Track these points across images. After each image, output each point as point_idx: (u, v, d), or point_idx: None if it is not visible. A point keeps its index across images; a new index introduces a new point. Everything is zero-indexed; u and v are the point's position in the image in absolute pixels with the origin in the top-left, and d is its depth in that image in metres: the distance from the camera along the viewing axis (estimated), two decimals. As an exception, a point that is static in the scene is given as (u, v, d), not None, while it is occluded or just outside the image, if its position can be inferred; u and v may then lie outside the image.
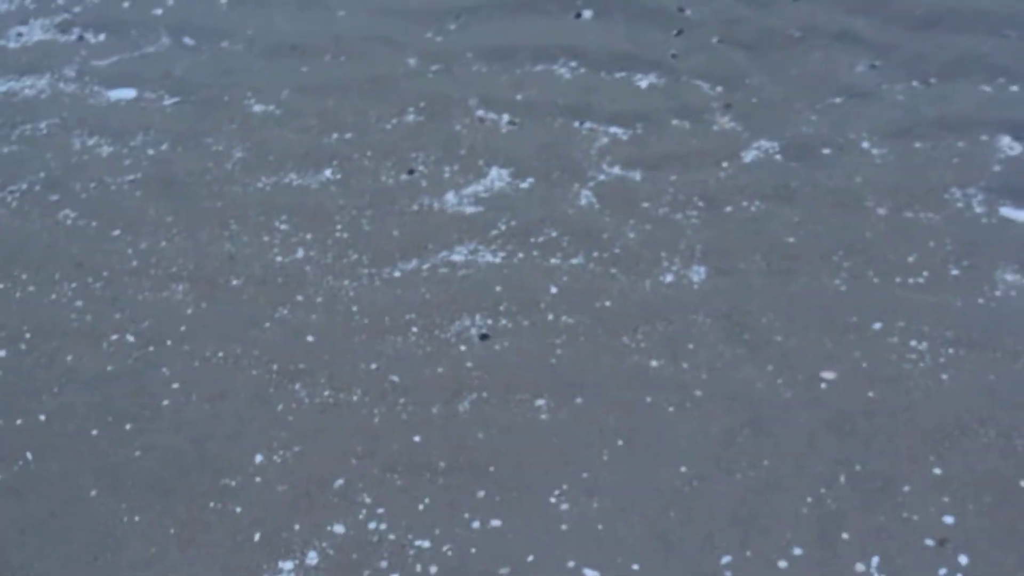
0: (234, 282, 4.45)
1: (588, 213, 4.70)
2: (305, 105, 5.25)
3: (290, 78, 5.37)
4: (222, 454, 3.77)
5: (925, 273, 4.41)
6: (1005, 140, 5.06)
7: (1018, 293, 4.33)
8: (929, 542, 3.41)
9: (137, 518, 3.60)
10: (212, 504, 3.61)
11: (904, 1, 5.69)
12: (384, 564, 3.43)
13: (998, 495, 3.51)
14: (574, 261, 4.47)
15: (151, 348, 4.19)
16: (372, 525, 3.55)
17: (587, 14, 5.62)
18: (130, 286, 4.46)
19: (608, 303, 4.28)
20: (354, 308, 4.30)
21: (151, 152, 5.05)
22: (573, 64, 5.41)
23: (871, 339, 4.08)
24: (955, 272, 4.42)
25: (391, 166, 4.97)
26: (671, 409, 3.84)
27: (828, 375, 3.95)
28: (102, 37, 5.60)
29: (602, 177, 4.90)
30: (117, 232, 4.70)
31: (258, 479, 3.68)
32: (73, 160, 5.06)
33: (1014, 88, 5.28)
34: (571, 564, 3.40)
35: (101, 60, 5.55)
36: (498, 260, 4.50)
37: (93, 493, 3.69)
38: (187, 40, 5.53)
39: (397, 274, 4.46)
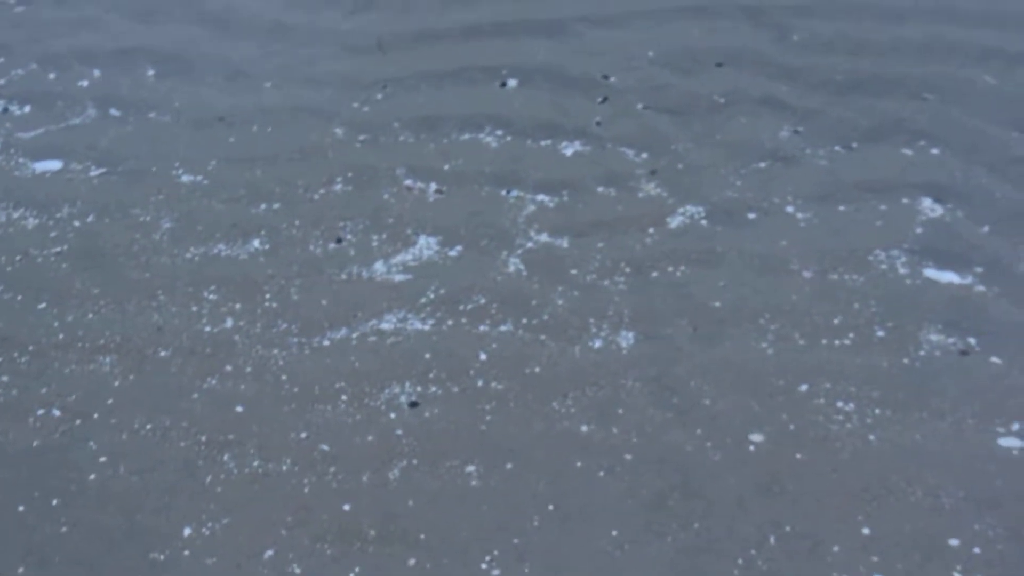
0: (162, 353, 4.48)
1: (516, 280, 4.78)
2: (233, 175, 5.31)
3: (218, 149, 5.43)
4: (150, 528, 3.79)
5: (851, 335, 4.52)
6: (927, 202, 5.22)
7: (942, 353, 4.45)
8: (857, 600, 3.50)
9: (64, 594, 3.60)
10: (140, 578, 3.63)
11: (826, 67, 5.87)
12: (315, 635, 3.46)
13: (926, 554, 3.60)
14: (503, 328, 4.55)
15: (78, 422, 4.20)
16: (303, 596, 3.57)
17: (512, 83, 5.74)
18: (56, 359, 4.47)
19: (537, 369, 4.36)
20: (283, 377, 4.34)
21: (77, 224, 5.08)
22: (499, 133, 5.52)
23: (798, 401, 4.17)
24: (880, 333, 4.54)
25: (319, 235, 5.04)
26: (601, 473, 3.90)
27: (756, 437, 4.04)
28: (27, 109, 5.64)
29: (530, 244, 4.99)
30: (43, 305, 4.72)
31: (187, 552, 3.70)
32: (-3, 233, 5.08)
33: (934, 151, 5.45)
34: (503, 630, 3.44)
35: (26, 132, 5.59)
36: (427, 328, 4.57)
37: (20, 571, 3.69)
38: (113, 111, 5.58)
39: (326, 343, 4.51)
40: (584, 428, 4.07)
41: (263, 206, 5.17)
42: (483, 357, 4.40)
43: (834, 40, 6.00)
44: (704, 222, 5.10)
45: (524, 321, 4.57)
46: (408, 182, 5.29)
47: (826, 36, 6.02)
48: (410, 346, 4.47)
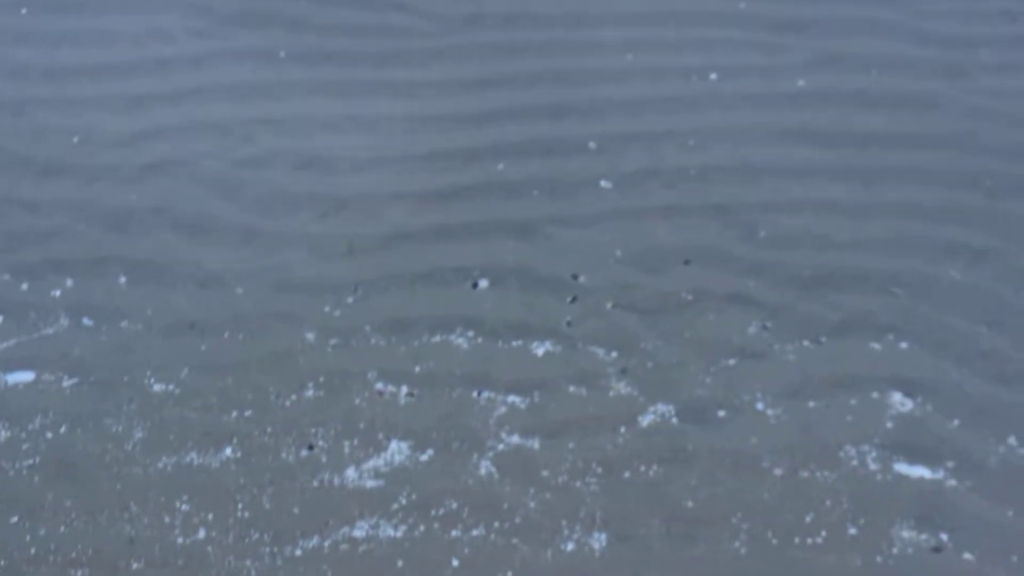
0: (135, 566, 4.66)
1: (488, 483, 5.00)
2: (204, 383, 5.55)
3: (189, 357, 5.68)
4: None
5: (823, 533, 4.74)
6: (896, 397, 5.48)
7: (915, 551, 4.67)
8: None
9: None
10: None
11: (793, 262, 6.19)
12: None
13: None
14: (475, 532, 4.75)
15: (48, 638, 4.36)
16: None
17: (483, 283, 6.04)
18: (28, 575, 4.65)
19: (510, 574, 4.55)
20: (256, 589, 4.52)
21: (50, 435, 5.29)
22: (470, 334, 5.79)
23: (770, 601, 4.37)
24: (852, 531, 4.75)
25: (291, 442, 5.26)
26: None
27: (729, 639, 4.23)
28: (0, 320, 5.89)
29: (501, 447, 5.22)
30: (15, 519, 4.90)
31: None
32: (-32, 446, 5.29)
33: (903, 345, 5.74)
34: None
35: (-3, 342, 5.84)
36: (399, 535, 4.76)
37: None
38: (86, 320, 5.84)
39: (299, 552, 4.70)
40: (557, 634, 4.25)
41: (235, 414, 5.39)
42: (455, 563, 4.59)
43: (800, 236, 6.33)
44: (675, 420, 5.34)
45: (496, 525, 4.77)
46: (379, 386, 5.54)
47: (792, 232, 6.36)
48: (382, 553, 4.65)
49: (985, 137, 7.04)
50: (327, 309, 5.92)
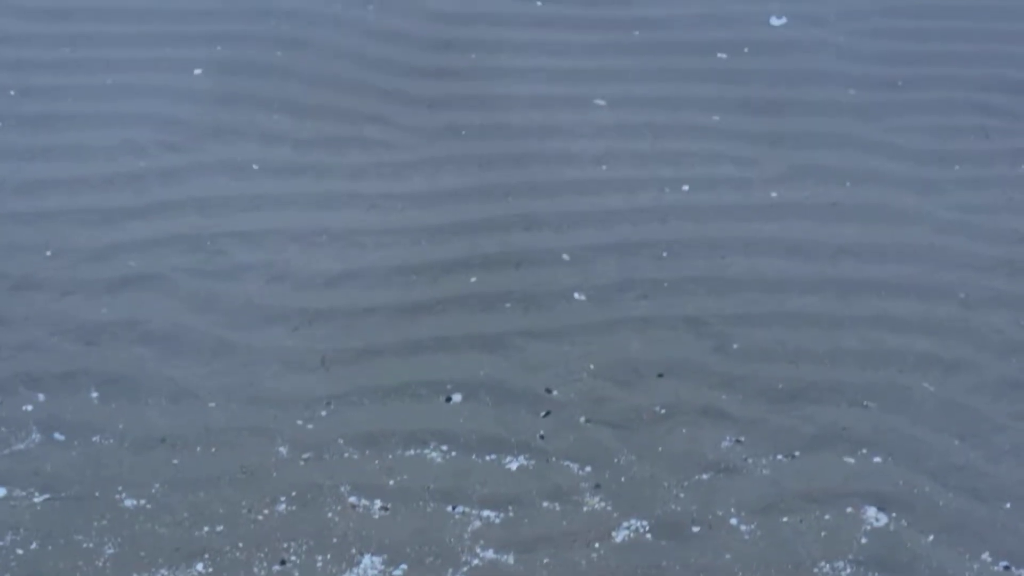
0: None
1: (462, 599, 5.10)
2: (176, 498, 5.64)
3: (161, 471, 5.78)
4: None
5: (796, 649, 4.85)
6: (871, 511, 5.61)
7: (889, 665, 4.78)
8: None
9: None
10: None
11: (766, 375, 6.34)
12: None
13: None
14: (448, 649, 4.84)
15: None
16: None
17: (456, 397, 6.17)
18: None
19: None
20: None
21: (20, 552, 5.36)
22: (444, 448, 5.91)
23: None
24: (827, 646, 4.87)
25: (263, 558, 5.35)
26: None
27: None
28: (-32, 434, 6.00)
29: (476, 562, 5.32)
30: (-18, 637, 4.98)
31: None
32: (-65, 563, 5.36)
33: (877, 459, 5.88)
34: None
35: (-34, 458, 5.93)
36: (372, 652, 4.85)
37: None
38: (57, 435, 5.94)
39: (270, 670, 4.77)
40: None
41: (206, 529, 5.48)
42: None
43: (773, 349, 6.50)
44: (649, 536, 5.45)
45: (469, 642, 4.86)
46: (352, 499, 5.64)
47: (765, 344, 6.52)
48: (354, 671, 4.74)
49: (958, 250, 7.24)
50: (300, 423, 6.04)
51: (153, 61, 8.63)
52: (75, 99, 8.26)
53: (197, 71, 8.55)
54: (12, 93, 8.32)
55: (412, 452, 5.88)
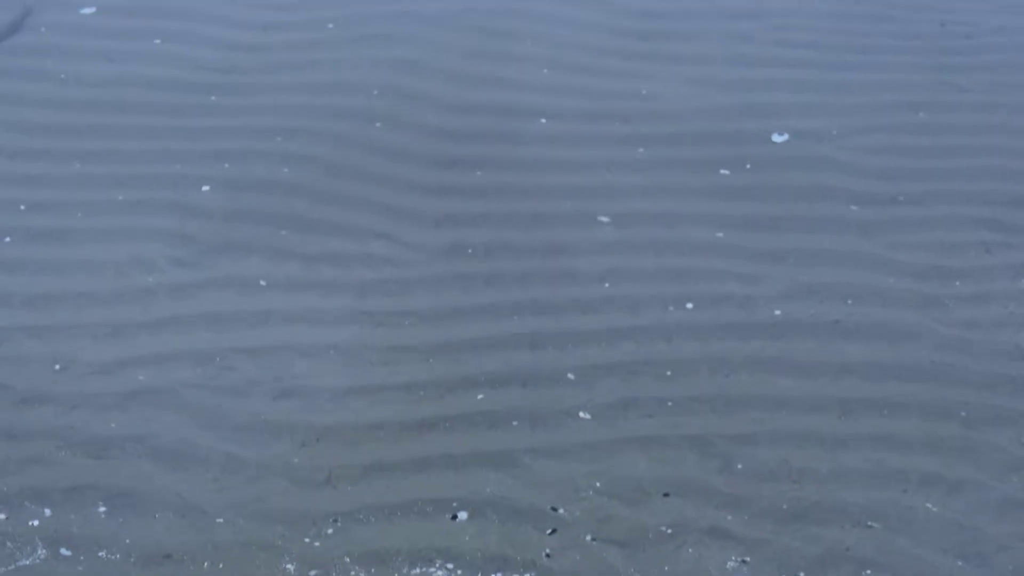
0: None
1: None
2: (183, 615, 5.77)
3: (167, 588, 5.92)
4: None
5: None
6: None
7: None
8: None
9: None
10: None
11: (771, 495, 6.47)
12: None
13: None
14: None
15: None
16: None
17: (462, 515, 6.30)
18: None
19: None
20: None
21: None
22: (450, 566, 6.03)
23: None
24: None
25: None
26: None
27: None
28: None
29: None
30: None
31: None
32: None
33: (881, 579, 6.01)
34: None
35: (-28, 575, 6.05)
36: None
37: None
38: (64, 551, 6.06)
39: None
40: None
41: (213, 647, 5.61)
42: None
43: (778, 468, 6.63)
44: (654, 656, 5.57)
45: None
46: (359, 619, 5.76)
47: (770, 464, 6.66)
48: None
49: (960, 368, 7.40)
50: (307, 540, 6.17)
51: (163, 177, 8.87)
52: (85, 214, 8.48)
53: (205, 188, 8.78)
54: (23, 208, 8.55)
55: (418, 570, 6.00)
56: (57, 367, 7.21)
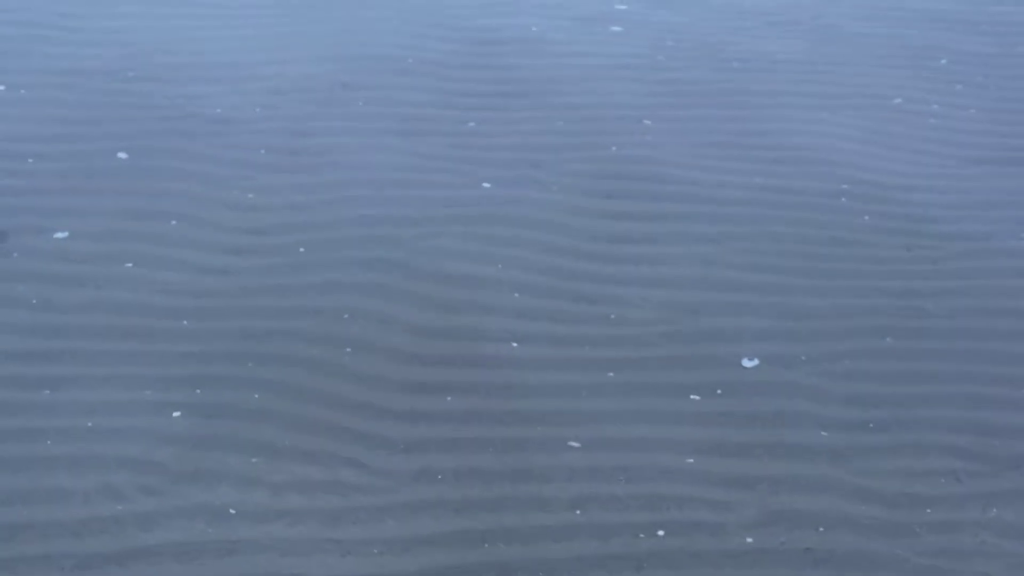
0: None
1: None
2: None
3: None
4: None
5: None
6: None
7: None
8: None
9: None
10: None
11: None
12: None
13: None
14: None
15: None
16: None
17: None
18: None
19: None
20: None
21: None
22: None
23: None
24: None
25: None
26: None
27: None
28: None
29: None
30: None
31: None
32: None
33: None
34: None
35: None
36: None
37: None
38: None
39: None
40: None
41: None
42: None
43: None
44: None
45: None
46: None
47: None
48: None
49: (932, 596, 7.61)
50: None
51: (133, 404, 9.09)
52: (54, 442, 8.68)
53: (176, 414, 9.01)
54: (-10, 436, 8.76)
55: None
56: (22, 601, 7.34)
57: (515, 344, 10.01)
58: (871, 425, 9.25)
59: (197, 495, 8.24)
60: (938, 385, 9.74)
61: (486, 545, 7.89)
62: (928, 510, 8.40)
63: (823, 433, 9.15)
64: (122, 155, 12.51)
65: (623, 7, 15.95)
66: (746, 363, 9.91)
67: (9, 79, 14.01)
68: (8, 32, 15.20)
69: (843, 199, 12.26)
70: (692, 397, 9.51)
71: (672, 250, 11.41)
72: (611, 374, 9.71)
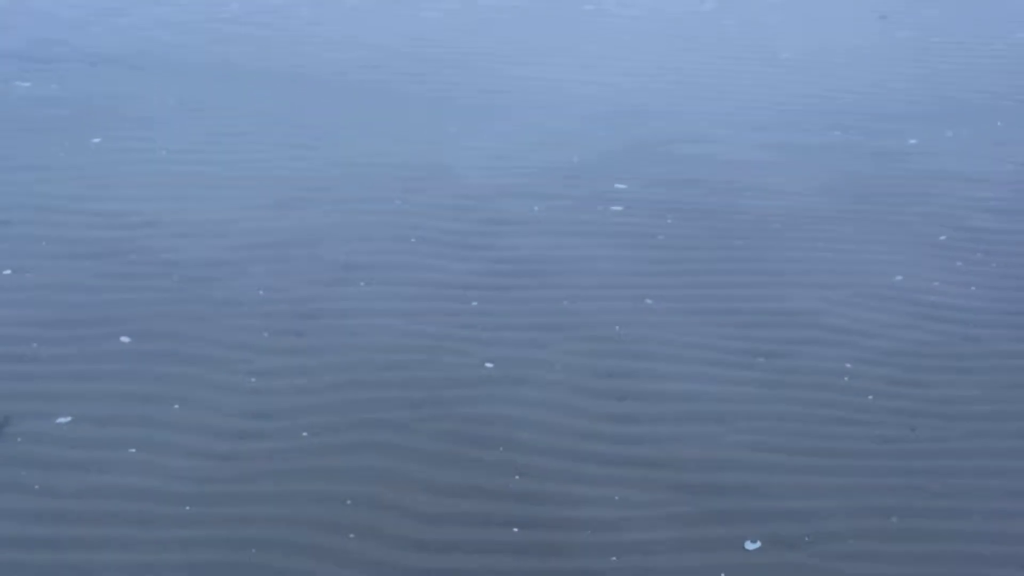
0: None
1: None
2: None
3: None
4: None
5: None
6: None
7: None
8: None
9: None
10: None
11: None
12: None
13: None
14: None
15: None
16: None
17: None
18: None
19: None
20: None
21: None
22: None
23: None
24: None
25: None
26: None
27: None
28: None
29: None
30: None
31: None
32: None
33: None
34: None
35: None
36: None
37: None
38: None
39: None
40: None
41: None
42: None
43: None
44: None
45: None
46: None
47: None
48: None
49: None
50: None
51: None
52: (55, 632, 8.84)
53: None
54: (-9, 625, 8.90)
55: None
56: None
57: (516, 529, 10.17)
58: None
59: None
60: (944, 567, 9.89)
61: None
62: None
63: (829, 617, 9.28)
64: (125, 339, 12.81)
65: (622, 186, 16.40)
66: (749, 546, 10.05)
67: (16, 263, 14.38)
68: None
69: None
70: (696, 580, 9.66)
71: (678, 430, 11.61)
72: (614, 558, 9.86)
